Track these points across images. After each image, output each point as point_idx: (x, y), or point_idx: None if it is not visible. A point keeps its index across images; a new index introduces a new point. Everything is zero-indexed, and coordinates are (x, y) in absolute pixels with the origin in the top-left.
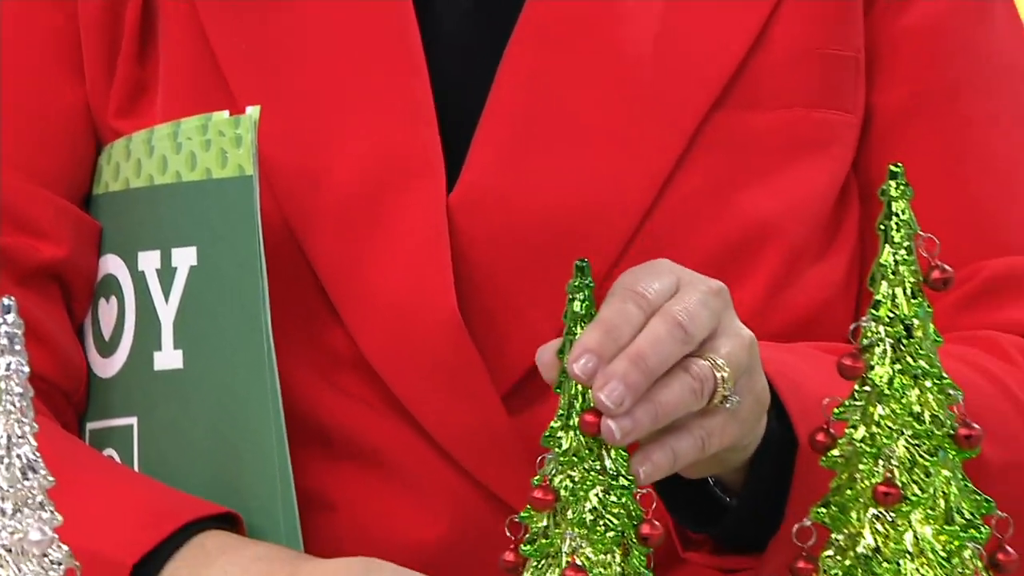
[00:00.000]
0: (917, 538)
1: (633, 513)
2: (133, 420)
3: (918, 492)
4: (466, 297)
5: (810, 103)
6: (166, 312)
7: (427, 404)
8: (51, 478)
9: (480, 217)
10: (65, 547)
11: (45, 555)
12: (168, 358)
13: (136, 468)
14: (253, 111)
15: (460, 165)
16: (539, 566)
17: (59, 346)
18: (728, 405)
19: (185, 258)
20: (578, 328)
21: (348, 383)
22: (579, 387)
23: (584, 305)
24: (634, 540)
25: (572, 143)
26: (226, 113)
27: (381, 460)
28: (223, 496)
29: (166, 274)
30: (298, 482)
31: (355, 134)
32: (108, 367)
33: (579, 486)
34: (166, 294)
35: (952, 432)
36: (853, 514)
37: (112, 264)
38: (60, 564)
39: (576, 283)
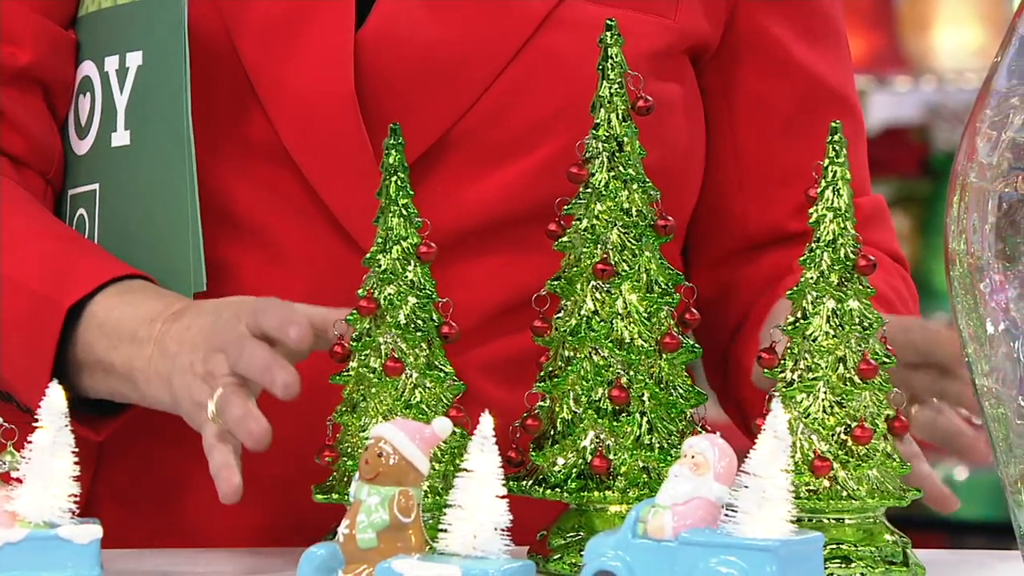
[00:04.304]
0: (626, 303)
1: (435, 318)
2: (96, 186)
3: (627, 268)
4: (364, 95)
5: (635, 7)
6: (120, 101)
7: (325, 179)
8: None
9: (382, 44)
10: None
11: None
12: (121, 137)
13: (97, 223)
14: None
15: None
16: (363, 357)
17: (32, 132)
18: None
19: (135, 59)
20: (392, 177)
21: (261, 173)
22: (395, 223)
23: (397, 158)
24: (436, 337)
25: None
26: None
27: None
28: (150, 253)
29: (122, 73)
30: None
31: None
32: (83, 146)
33: (395, 297)
34: (121, 88)
35: (652, 223)
36: (578, 285)
37: (88, 68)
38: None
39: (390, 141)
